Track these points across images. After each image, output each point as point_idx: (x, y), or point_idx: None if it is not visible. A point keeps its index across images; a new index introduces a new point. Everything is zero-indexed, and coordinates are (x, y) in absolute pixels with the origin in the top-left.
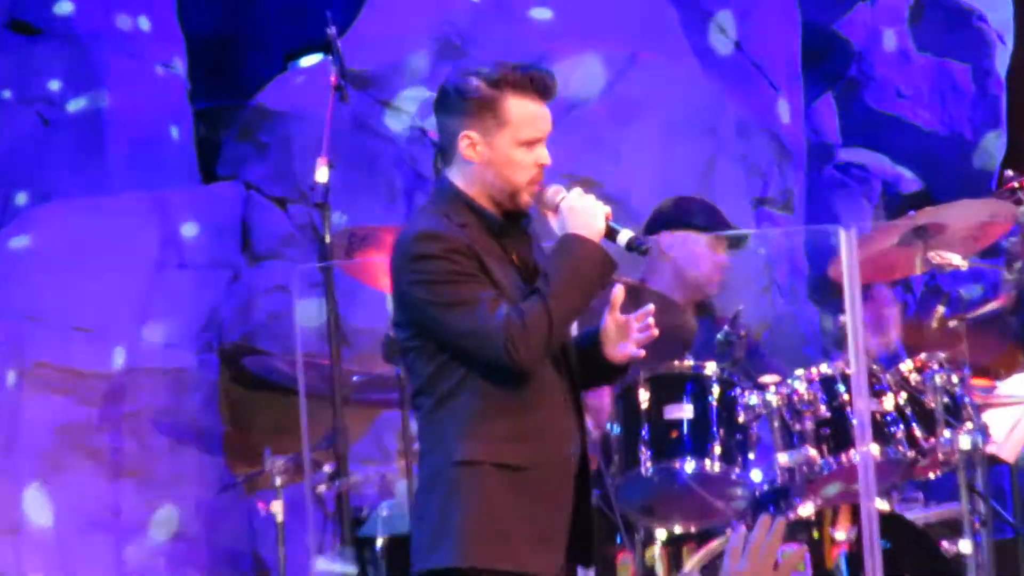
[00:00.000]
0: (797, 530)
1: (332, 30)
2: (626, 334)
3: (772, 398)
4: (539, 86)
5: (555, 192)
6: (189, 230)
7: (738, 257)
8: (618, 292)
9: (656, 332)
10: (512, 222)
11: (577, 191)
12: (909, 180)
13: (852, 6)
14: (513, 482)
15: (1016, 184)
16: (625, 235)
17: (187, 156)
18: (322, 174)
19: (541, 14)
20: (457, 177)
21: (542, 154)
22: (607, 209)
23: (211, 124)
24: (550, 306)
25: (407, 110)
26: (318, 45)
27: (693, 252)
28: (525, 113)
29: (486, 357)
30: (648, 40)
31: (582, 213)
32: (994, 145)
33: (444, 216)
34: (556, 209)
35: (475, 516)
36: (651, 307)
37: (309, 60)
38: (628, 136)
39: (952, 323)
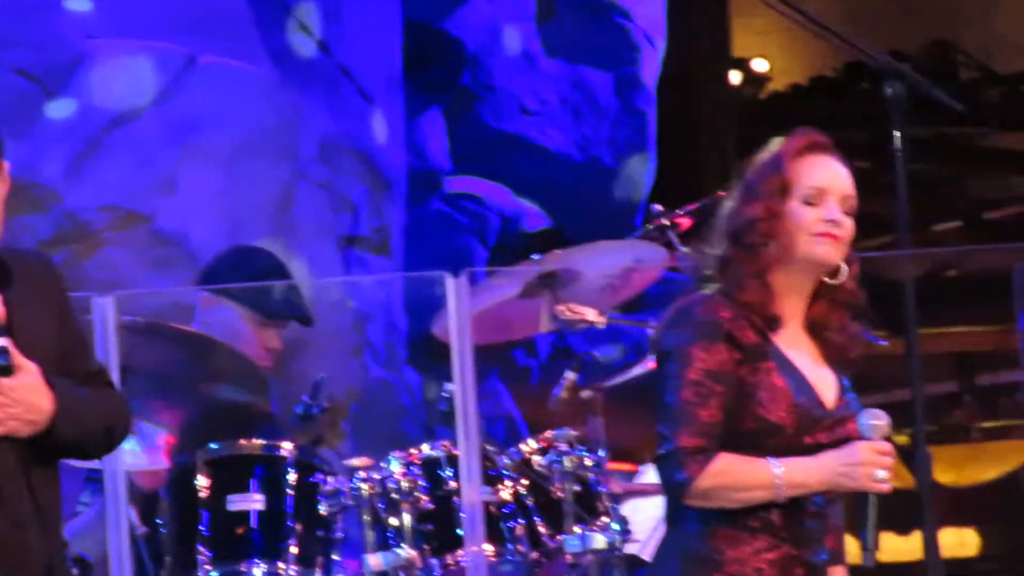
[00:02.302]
0: None
1: None
2: None
3: (362, 486)
4: None
5: None
6: None
7: (322, 311)
8: None
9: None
10: None
11: None
12: (535, 215)
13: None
14: None
15: (666, 221)
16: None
17: None
18: None
19: (78, 4)
20: None
21: None
22: None
23: None
24: None
25: None
26: None
27: (234, 330)
28: None
29: None
30: (211, 38)
31: None
32: (640, 172)
33: None
34: None
35: None
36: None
37: None
38: (186, 158)
39: (585, 393)
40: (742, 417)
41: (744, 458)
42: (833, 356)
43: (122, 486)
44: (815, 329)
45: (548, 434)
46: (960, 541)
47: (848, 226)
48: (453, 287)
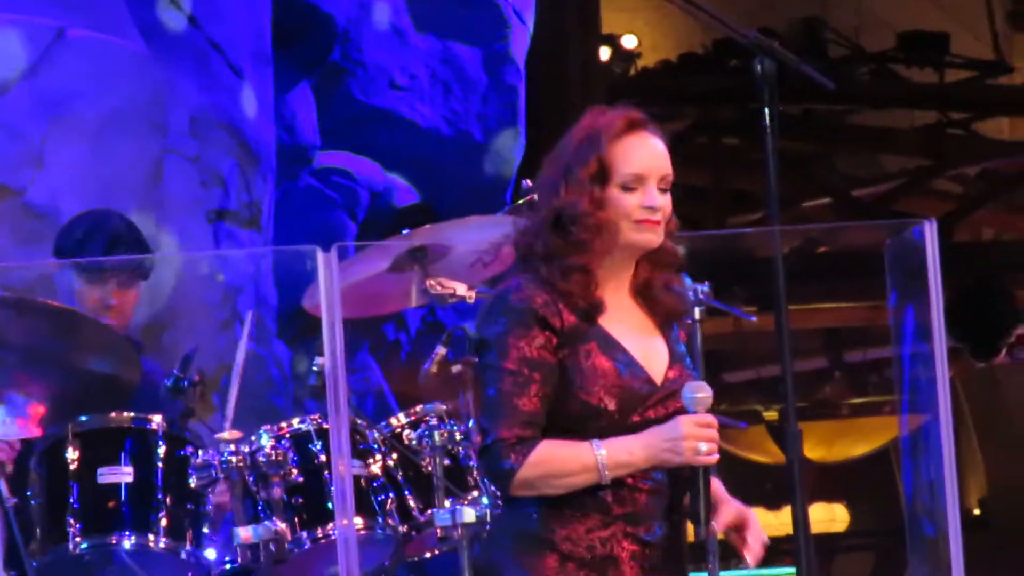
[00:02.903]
0: None
1: None
2: None
3: (232, 459)
4: None
5: None
6: None
7: (192, 284)
8: None
9: None
10: None
11: None
12: (404, 190)
13: None
14: None
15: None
16: None
17: None
18: None
19: None
20: None
21: None
22: None
23: None
24: None
25: None
26: None
27: (77, 296)
28: None
29: None
30: (80, 12)
31: None
32: (510, 147)
33: None
34: None
35: None
36: None
37: None
38: (55, 133)
39: (455, 368)
40: (566, 401)
41: (565, 443)
42: (663, 316)
43: None
44: (641, 293)
45: (418, 408)
46: (830, 516)
47: (665, 205)
48: (323, 261)
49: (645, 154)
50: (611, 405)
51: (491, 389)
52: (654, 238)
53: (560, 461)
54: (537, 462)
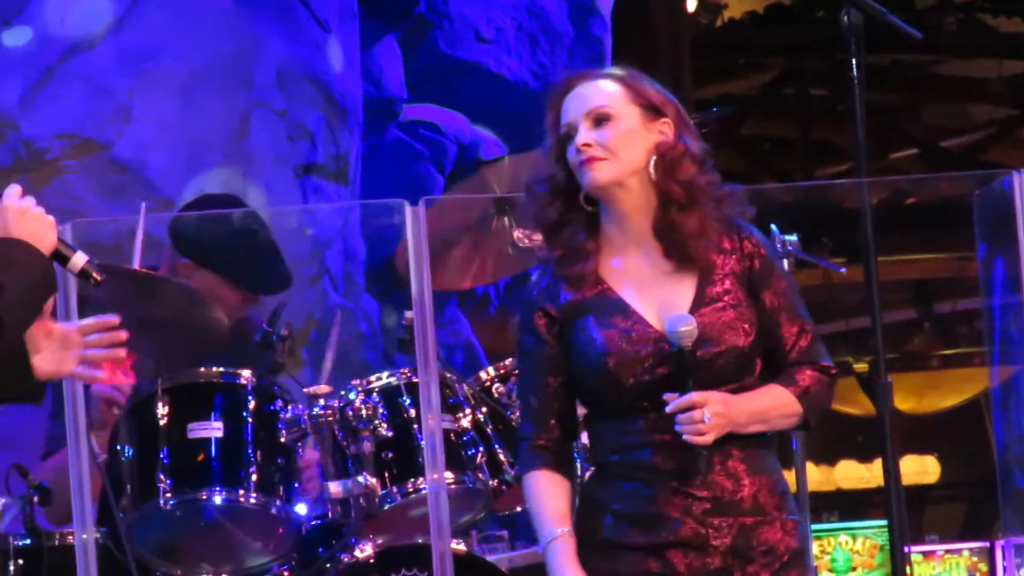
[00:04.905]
0: None
1: None
2: (63, 345)
3: (321, 413)
4: None
5: None
6: None
7: (280, 239)
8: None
9: (122, 352)
10: None
11: (15, 189)
12: (491, 143)
13: None
14: None
15: None
16: (80, 259)
17: None
18: None
19: None
20: None
21: None
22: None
23: None
24: (4, 319)
25: None
26: None
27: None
28: None
29: None
30: None
31: (34, 220)
32: None
33: None
34: None
35: None
36: (109, 319)
37: None
38: (142, 88)
39: None
40: (577, 378)
41: (548, 493)
42: (685, 256)
43: (82, 410)
44: (663, 235)
45: (507, 362)
46: (921, 468)
47: (602, 137)
48: (411, 215)
49: (571, 103)
50: (612, 373)
51: (518, 391)
52: (597, 174)
53: (534, 503)
54: (526, 488)
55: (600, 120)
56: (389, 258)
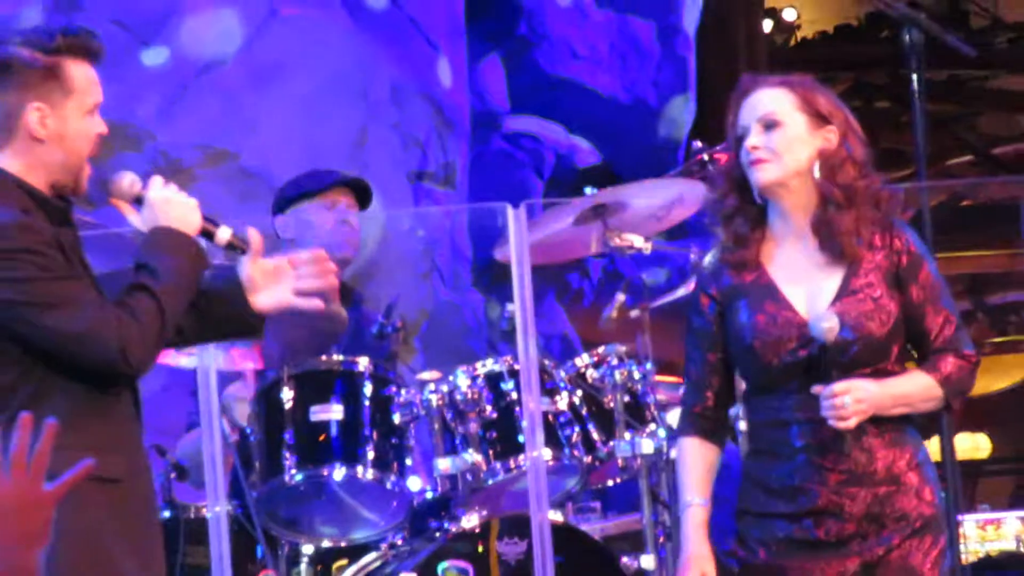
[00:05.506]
0: (461, 544)
1: None
2: (277, 279)
3: (432, 397)
4: (92, 47)
5: (133, 182)
6: None
7: (394, 239)
8: (254, 236)
9: (335, 281)
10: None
11: (158, 180)
12: (586, 152)
13: None
14: (110, 495)
15: (706, 156)
16: (225, 232)
17: None
18: None
19: None
20: (10, 160)
21: (100, 123)
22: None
23: None
24: (162, 304)
25: None
26: None
27: (308, 222)
28: (85, 78)
29: (95, 361)
30: None
31: (178, 206)
32: (681, 112)
33: (8, 206)
34: (136, 200)
35: (75, 534)
36: (321, 252)
37: None
38: (268, 102)
39: (634, 312)
40: (733, 356)
41: (694, 461)
42: (837, 251)
43: (214, 393)
44: (819, 230)
45: (600, 349)
46: (974, 444)
47: (770, 141)
48: (512, 217)
49: (746, 109)
50: (758, 353)
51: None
52: (760, 174)
53: (680, 468)
54: (678, 450)
55: (769, 125)
56: (492, 256)
